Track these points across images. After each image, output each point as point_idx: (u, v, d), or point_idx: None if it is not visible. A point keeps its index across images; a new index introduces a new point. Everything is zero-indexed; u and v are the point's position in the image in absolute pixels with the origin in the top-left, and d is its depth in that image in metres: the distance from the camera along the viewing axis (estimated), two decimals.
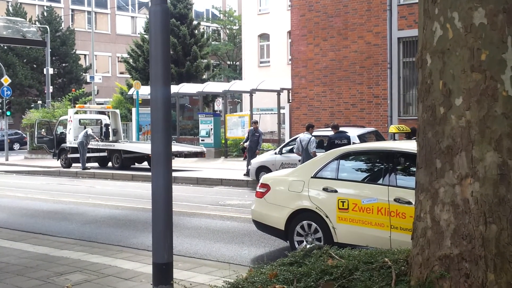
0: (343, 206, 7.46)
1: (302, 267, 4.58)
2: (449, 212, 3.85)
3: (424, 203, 4.05)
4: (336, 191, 7.61)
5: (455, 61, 3.86)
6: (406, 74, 20.78)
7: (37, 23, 46.70)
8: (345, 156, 7.97)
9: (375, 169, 7.82)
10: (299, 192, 7.97)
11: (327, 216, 7.59)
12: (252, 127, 19.93)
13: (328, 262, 4.53)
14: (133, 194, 16.70)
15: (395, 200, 6.98)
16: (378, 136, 17.25)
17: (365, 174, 7.90)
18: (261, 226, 8.59)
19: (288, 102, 26.27)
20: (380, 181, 7.39)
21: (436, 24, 4.00)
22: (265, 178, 8.77)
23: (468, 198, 3.77)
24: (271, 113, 33.38)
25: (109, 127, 26.42)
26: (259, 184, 8.70)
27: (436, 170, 3.94)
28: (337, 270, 4.31)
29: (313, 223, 7.78)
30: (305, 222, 7.87)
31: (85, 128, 25.35)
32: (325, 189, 7.73)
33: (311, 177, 7.94)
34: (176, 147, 22.84)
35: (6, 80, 30.54)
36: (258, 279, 4.49)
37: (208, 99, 36.96)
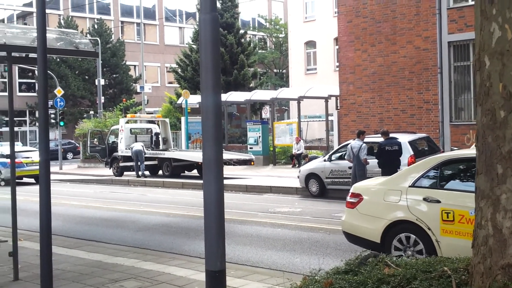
0: (447, 217, 6.93)
1: (358, 275, 4.50)
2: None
3: (485, 210, 3.94)
4: (438, 202, 7.09)
5: None
6: (457, 78, 20.35)
7: (88, 35, 47.85)
8: (446, 164, 7.46)
9: None
10: (396, 202, 7.50)
11: (429, 229, 7.09)
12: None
13: (385, 271, 4.44)
14: (183, 201, 16.85)
15: None
16: (430, 142, 16.93)
17: (471, 183, 7.19)
18: (353, 238, 8.13)
19: (336, 109, 26.09)
20: None
21: (494, 25, 3.90)
22: (356, 187, 8.35)
23: None
24: (319, 120, 33.24)
25: (159, 136, 26.83)
26: (350, 193, 8.24)
27: (497, 176, 3.83)
28: (394, 279, 4.21)
29: (413, 236, 7.30)
30: (403, 235, 7.40)
31: (136, 139, 25.85)
32: (425, 199, 7.24)
33: (409, 186, 7.45)
34: (225, 155, 22.97)
35: (60, 92, 31.36)
36: (313, 287, 4.45)
37: (256, 107, 37.10)
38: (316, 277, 4.71)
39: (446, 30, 20.16)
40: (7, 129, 39.06)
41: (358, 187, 8.37)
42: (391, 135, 14.89)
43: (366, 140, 15.35)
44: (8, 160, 21.03)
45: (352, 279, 4.41)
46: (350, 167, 15.24)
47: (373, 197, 7.92)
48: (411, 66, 21.52)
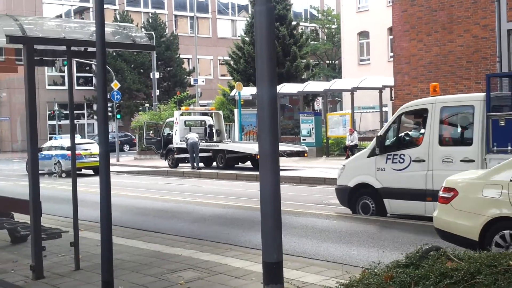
0: None
1: (419, 269, 4.41)
2: None
3: None
4: None
5: None
6: None
7: (143, 29, 48.57)
8: None
9: None
10: (497, 197, 7.04)
11: None
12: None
13: (447, 265, 4.33)
14: (238, 193, 16.95)
15: None
16: None
17: None
18: (447, 236, 7.65)
19: (391, 99, 25.68)
20: None
21: None
22: (449, 181, 7.79)
23: None
24: (373, 111, 32.82)
25: (213, 128, 27.03)
26: (442, 187, 7.78)
27: None
28: (457, 273, 4.11)
29: None
30: (506, 232, 6.98)
31: (190, 131, 26.04)
32: None
33: (511, 181, 6.93)
34: (279, 147, 22.94)
35: (116, 85, 31.99)
36: (373, 281, 4.38)
37: (308, 98, 36.95)
38: (375, 270, 4.64)
39: (505, 18, 19.53)
40: (67, 122, 40.18)
41: (451, 181, 7.83)
42: None
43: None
44: (68, 153, 21.65)
45: (413, 273, 4.33)
46: None
47: (469, 192, 7.45)
48: (469, 55, 20.96)
